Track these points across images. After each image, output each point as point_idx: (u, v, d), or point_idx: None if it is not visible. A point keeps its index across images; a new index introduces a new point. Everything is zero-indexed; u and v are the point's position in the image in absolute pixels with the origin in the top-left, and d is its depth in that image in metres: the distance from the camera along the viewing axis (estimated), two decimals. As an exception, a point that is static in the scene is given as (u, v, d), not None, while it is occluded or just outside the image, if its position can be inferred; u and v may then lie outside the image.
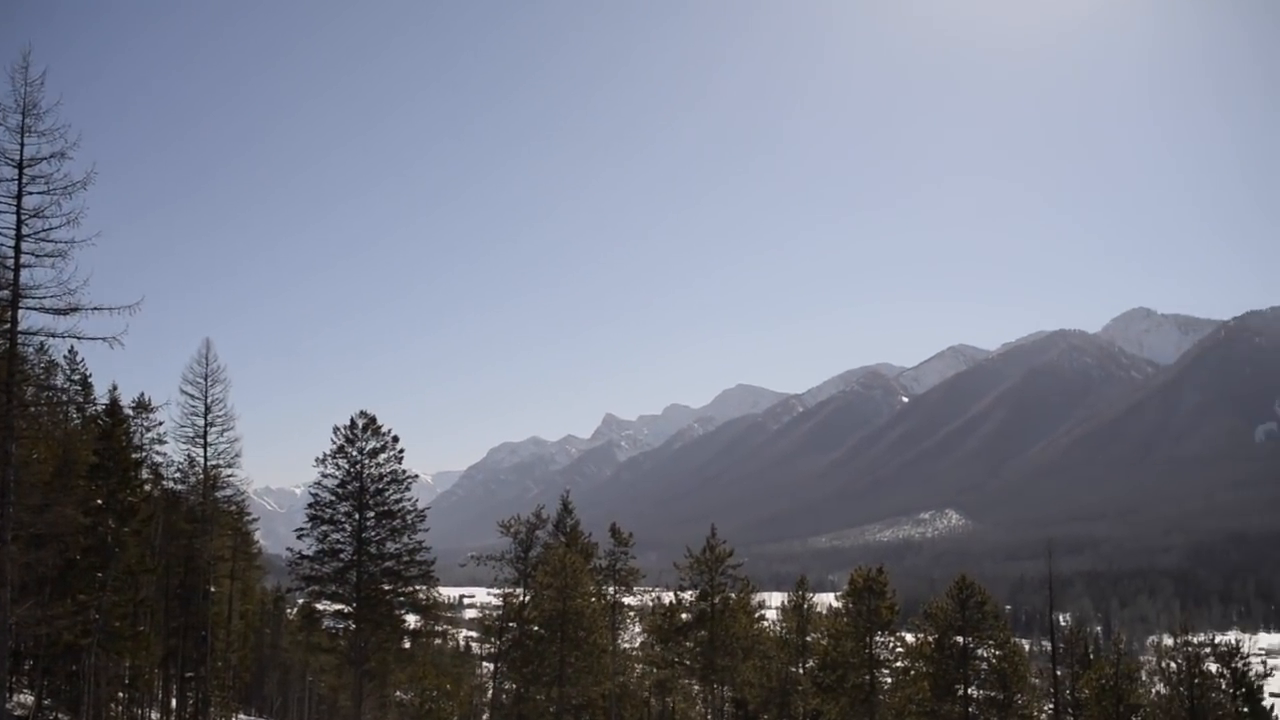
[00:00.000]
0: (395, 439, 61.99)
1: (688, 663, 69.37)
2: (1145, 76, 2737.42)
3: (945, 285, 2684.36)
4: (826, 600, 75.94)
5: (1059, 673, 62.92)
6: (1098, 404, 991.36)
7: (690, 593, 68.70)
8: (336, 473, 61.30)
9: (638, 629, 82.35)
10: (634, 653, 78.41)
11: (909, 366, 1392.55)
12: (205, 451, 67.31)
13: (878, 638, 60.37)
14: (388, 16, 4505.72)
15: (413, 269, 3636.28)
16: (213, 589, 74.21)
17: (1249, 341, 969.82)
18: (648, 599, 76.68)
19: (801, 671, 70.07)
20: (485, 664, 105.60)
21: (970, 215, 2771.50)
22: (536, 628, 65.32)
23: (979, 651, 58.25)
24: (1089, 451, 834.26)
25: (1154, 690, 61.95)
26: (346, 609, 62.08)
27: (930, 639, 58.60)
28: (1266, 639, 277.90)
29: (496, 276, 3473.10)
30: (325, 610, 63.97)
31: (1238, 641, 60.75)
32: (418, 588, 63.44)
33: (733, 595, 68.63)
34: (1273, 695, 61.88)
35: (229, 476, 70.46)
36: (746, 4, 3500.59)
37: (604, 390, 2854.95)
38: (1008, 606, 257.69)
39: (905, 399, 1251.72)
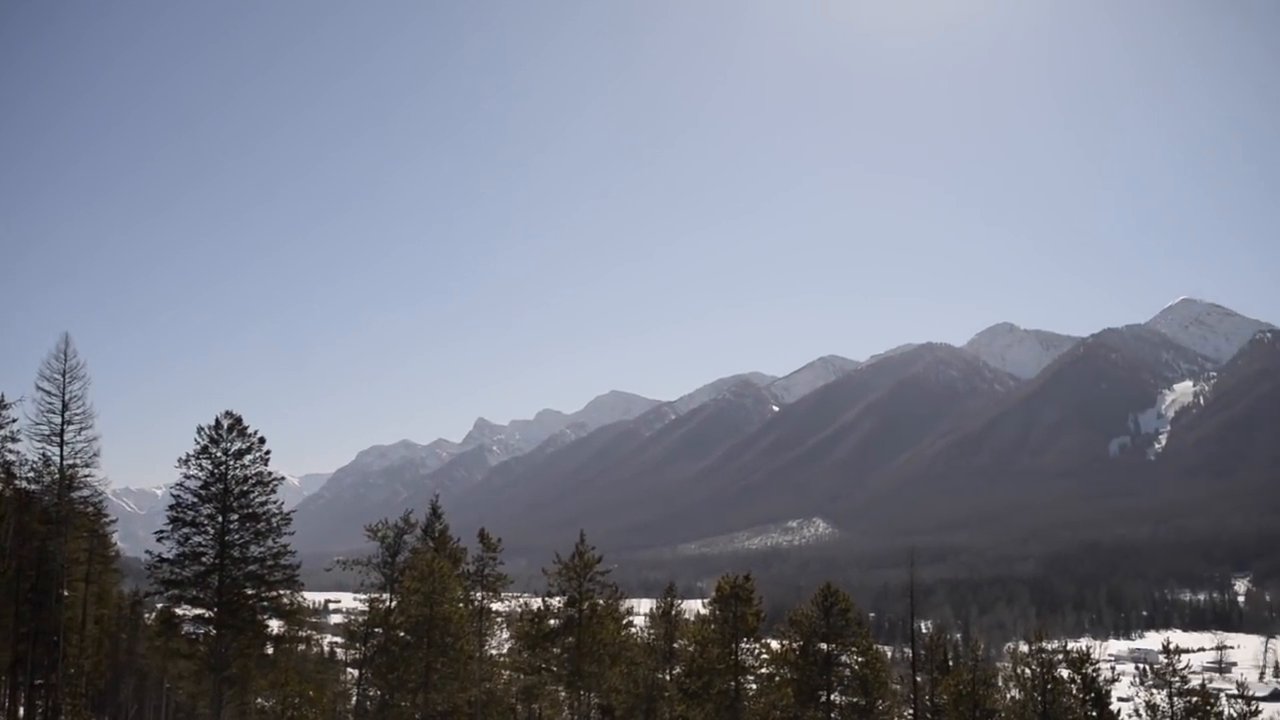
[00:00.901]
0: (261, 440, 60.66)
1: (555, 669, 69.18)
2: (1008, 94, 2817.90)
3: (817, 297, 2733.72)
4: (694, 607, 76.36)
5: (919, 679, 64.32)
6: (962, 416, 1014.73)
7: (559, 599, 68.53)
8: (199, 474, 59.72)
9: (505, 635, 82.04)
10: (501, 659, 78.03)
11: (780, 376, 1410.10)
12: (61, 451, 64.97)
13: (743, 644, 60.93)
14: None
15: (287, 273, 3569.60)
16: (66, 593, 71.80)
17: (1106, 358, 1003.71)
18: (516, 605, 76.33)
19: (668, 678, 70.35)
20: (350, 670, 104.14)
21: (840, 229, 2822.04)
22: (402, 633, 64.69)
23: (842, 658, 59.21)
24: (953, 462, 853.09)
25: (1009, 695, 63.59)
26: (207, 614, 60.54)
27: (795, 646, 59.35)
28: (1115, 645, 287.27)
29: (371, 281, 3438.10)
30: (185, 615, 62.34)
31: (1088, 648, 62.77)
32: (282, 592, 62.04)
33: (601, 602, 68.62)
34: (1120, 700, 64.10)
35: (86, 477, 68.06)
36: (608, 24, 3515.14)
37: (476, 394, 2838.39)
38: (871, 614, 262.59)
39: (776, 408, 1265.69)
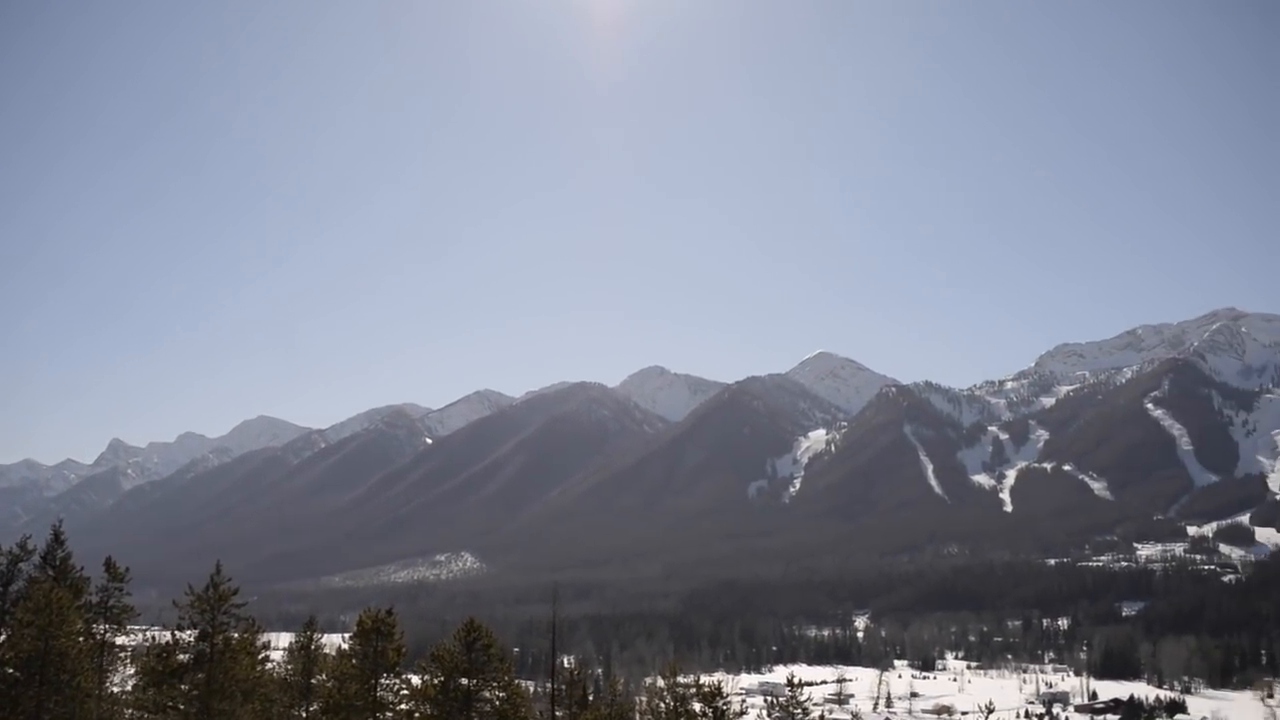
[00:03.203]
0: None
1: (182, 707, 65.52)
2: (664, 156, 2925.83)
3: (475, 331, 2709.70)
4: (336, 641, 74.43)
5: (559, 714, 64.92)
6: (612, 454, 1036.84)
7: (190, 632, 65.25)
8: None
9: (130, 671, 77.42)
10: (124, 696, 73.51)
11: (435, 408, 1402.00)
12: None
13: (384, 680, 59.95)
14: None
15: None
16: None
17: (749, 404, 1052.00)
18: (143, 639, 72.14)
19: (305, 715, 68.27)
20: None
21: (500, 266, 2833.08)
22: (12, 670, 60.01)
23: (483, 693, 59.05)
24: (601, 500, 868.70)
25: (644, 728, 65.04)
26: None
27: (436, 681, 58.80)
28: (747, 679, 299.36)
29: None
30: None
31: (719, 682, 65.20)
32: None
33: (235, 635, 65.86)
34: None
35: None
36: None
37: (112, 413, 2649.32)
38: (516, 649, 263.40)
39: (429, 440, 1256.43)
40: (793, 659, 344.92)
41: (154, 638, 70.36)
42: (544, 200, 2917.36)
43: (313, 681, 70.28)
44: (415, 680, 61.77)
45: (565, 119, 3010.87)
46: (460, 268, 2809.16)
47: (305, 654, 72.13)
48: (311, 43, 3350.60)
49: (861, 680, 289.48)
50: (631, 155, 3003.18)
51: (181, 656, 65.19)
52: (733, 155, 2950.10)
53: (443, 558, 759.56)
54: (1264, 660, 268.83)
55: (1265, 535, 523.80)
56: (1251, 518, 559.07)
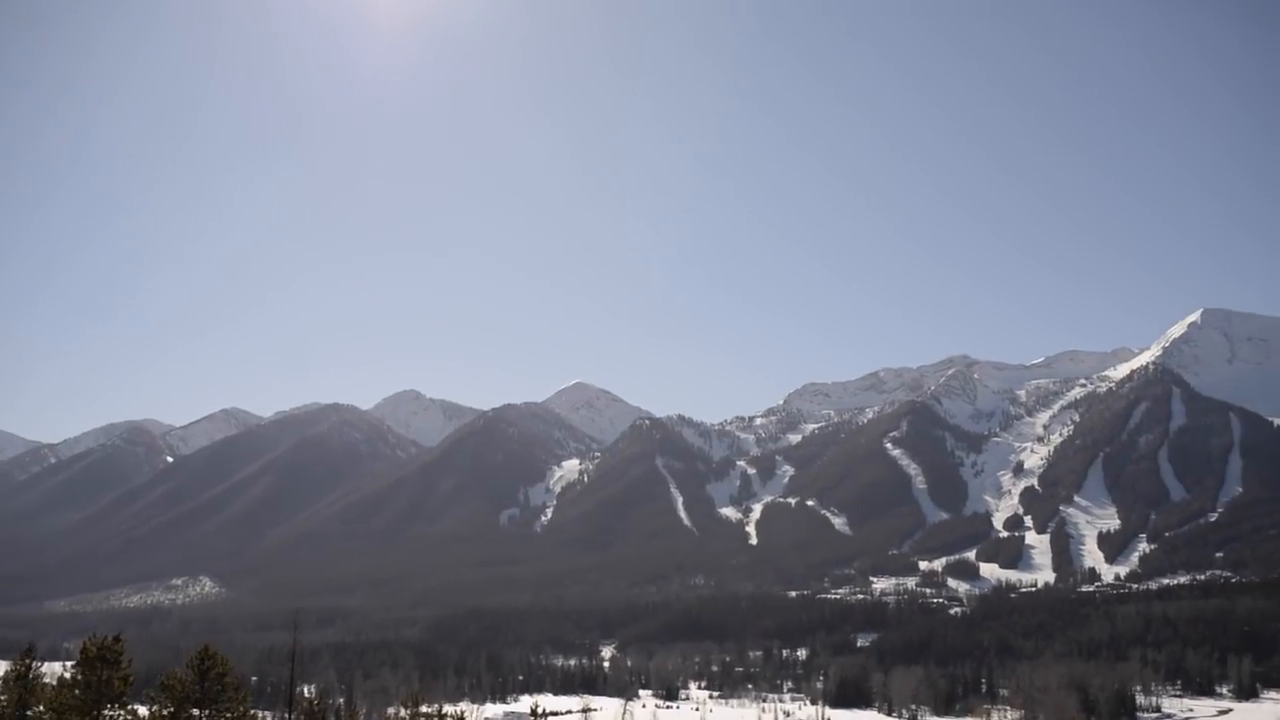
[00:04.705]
0: None
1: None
2: (431, 199, 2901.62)
3: (221, 346, 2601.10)
4: (57, 670, 70.42)
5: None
6: (363, 479, 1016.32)
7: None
8: None
9: None
10: None
11: (178, 425, 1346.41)
12: None
13: (108, 711, 57.13)
14: None
15: None
16: None
17: (504, 432, 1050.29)
18: None
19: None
20: None
21: (247, 280, 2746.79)
22: None
23: (216, 723, 57.19)
24: (351, 524, 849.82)
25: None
26: None
27: (166, 711, 56.57)
28: (492, 708, 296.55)
29: None
30: None
31: (463, 712, 64.83)
32: None
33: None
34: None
35: None
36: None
37: None
38: (254, 677, 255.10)
39: (170, 458, 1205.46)
40: (539, 688, 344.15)
41: None
42: (293, 214, 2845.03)
43: (29, 713, 66.36)
44: (143, 711, 59.12)
45: (322, 129, 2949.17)
46: (212, 279, 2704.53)
47: (21, 684, 68.02)
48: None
49: (606, 710, 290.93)
50: (393, 174, 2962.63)
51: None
52: (498, 181, 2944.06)
53: (179, 581, 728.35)
54: (984, 688, 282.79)
55: (989, 570, 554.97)
56: (977, 553, 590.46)
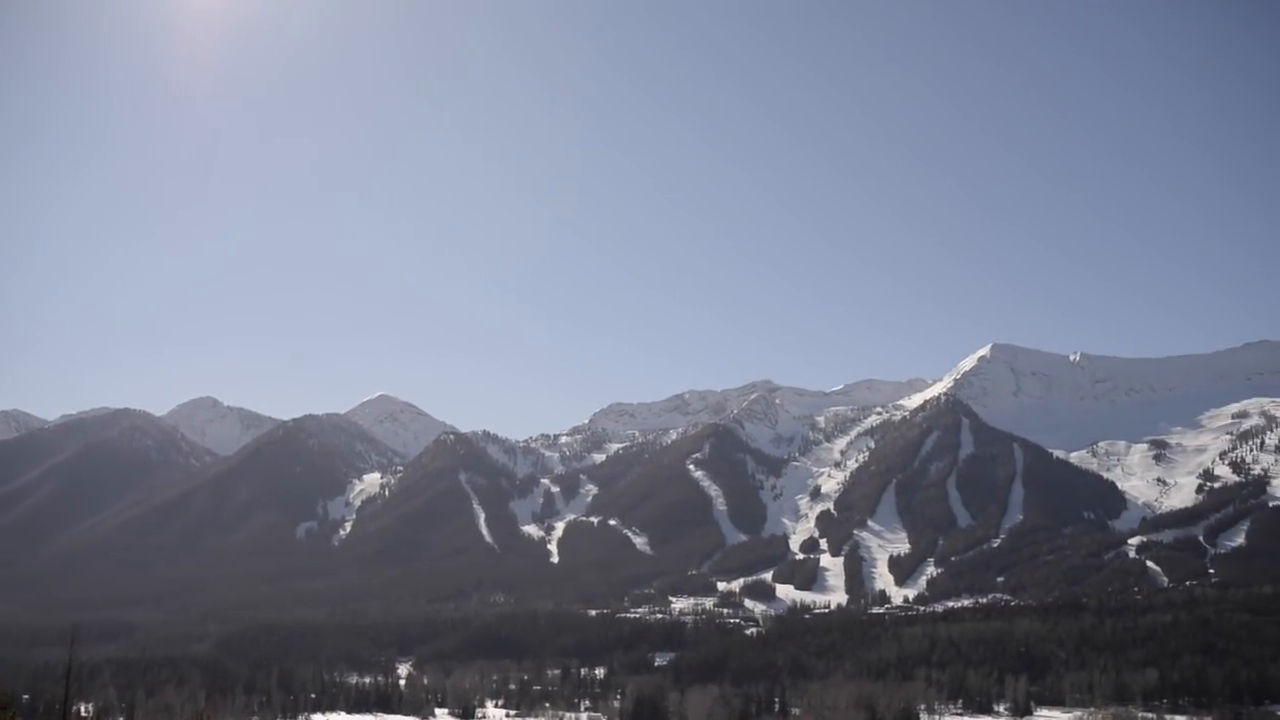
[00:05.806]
0: None
1: None
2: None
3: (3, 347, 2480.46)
4: None
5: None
6: (154, 488, 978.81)
7: None
8: None
9: None
10: None
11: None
12: None
13: None
14: None
15: None
16: None
17: (304, 443, 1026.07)
18: None
19: None
20: None
21: (37, 278, 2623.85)
22: None
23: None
24: (138, 535, 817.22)
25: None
26: None
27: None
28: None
29: None
30: None
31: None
32: None
33: None
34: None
35: None
36: None
37: None
38: (26, 695, 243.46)
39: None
40: (332, 707, 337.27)
41: None
42: (83, 206, 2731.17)
43: None
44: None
45: (133, 120, 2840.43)
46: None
47: None
48: None
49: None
50: (189, 168, 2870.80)
51: None
52: (307, 186, 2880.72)
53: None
54: (776, 707, 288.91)
55: (784, 591, 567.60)
56: (774, 575, 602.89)
